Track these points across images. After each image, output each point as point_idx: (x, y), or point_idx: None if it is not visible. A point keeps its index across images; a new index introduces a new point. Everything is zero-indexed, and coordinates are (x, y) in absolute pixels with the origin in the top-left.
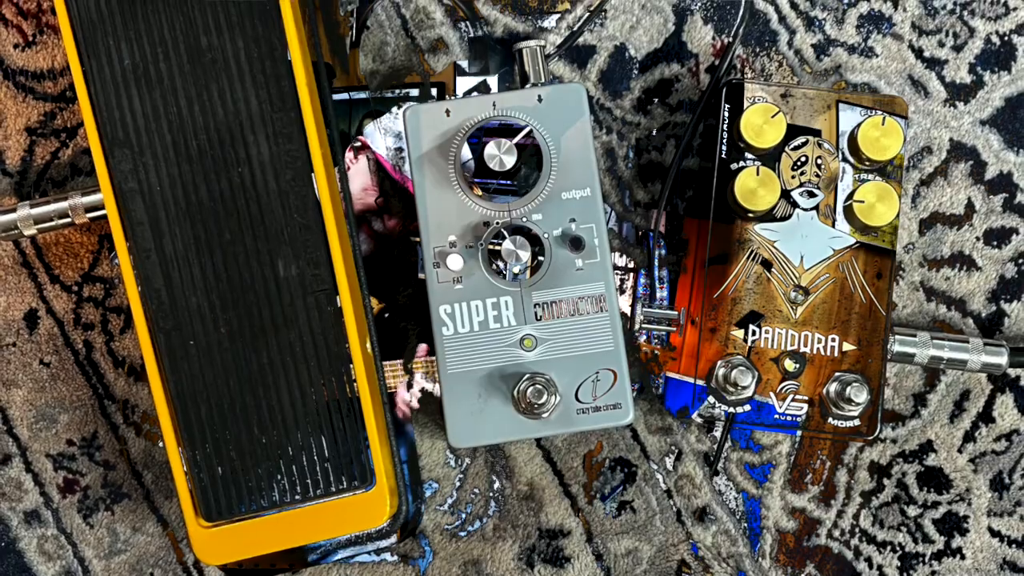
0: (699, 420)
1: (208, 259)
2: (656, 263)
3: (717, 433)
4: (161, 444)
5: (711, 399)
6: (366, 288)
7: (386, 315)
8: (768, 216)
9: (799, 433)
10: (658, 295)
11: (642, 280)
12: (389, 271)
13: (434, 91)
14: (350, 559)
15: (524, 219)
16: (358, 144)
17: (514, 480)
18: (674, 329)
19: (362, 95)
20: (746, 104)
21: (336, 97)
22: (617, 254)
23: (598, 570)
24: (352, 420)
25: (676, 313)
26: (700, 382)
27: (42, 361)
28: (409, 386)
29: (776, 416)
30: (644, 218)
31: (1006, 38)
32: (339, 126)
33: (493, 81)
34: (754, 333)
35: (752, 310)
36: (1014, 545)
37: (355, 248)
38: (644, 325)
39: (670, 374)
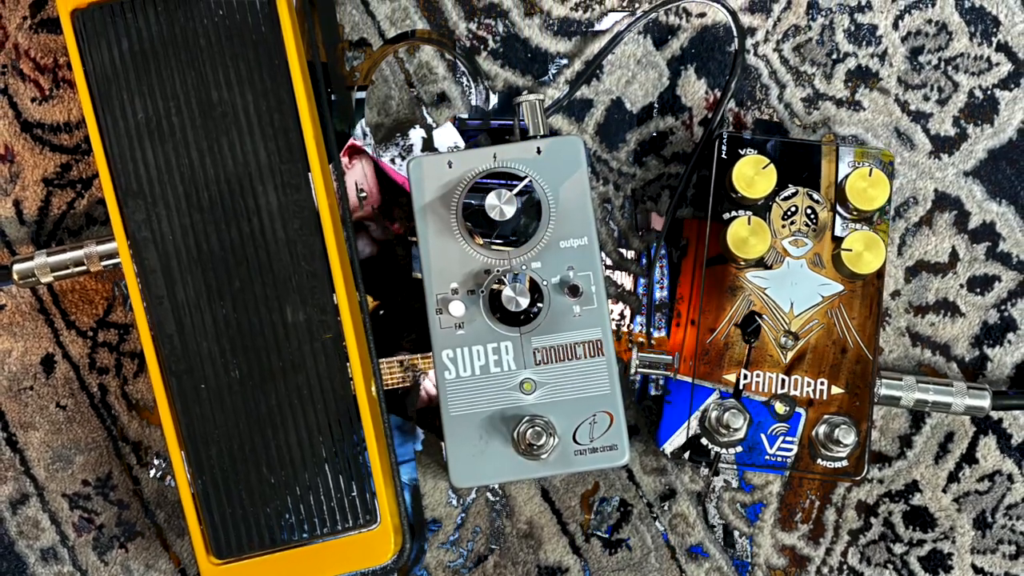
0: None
1: (219, 305)
2: (654, 289)
3: (715, 466)
4: (173, 483)
5: (704, 441)
6: (371, 333)
7: (381, 312)
8: (759, 264)
9: (787, 473)
10: (654, 336)
11: (639, 323)
12: (388, 273)
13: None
14: None
15: (524, 267)
16: (352, 148)
17: (514, 519)
18: (669, 373)
19: (361, 95)
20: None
21: (334, 97)
22: (612, 299)
23: None
24: (357, 460)
25: (670, 358)
26: (699, 382)
27: (58, 404)
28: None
29: (767, 457)
30: (643, 240)
31: (989, 92)
32: (337, 126)
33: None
34: (746, 377)
35: (752, 311)
36: None
37: (354, 267)
38: (640, 369)
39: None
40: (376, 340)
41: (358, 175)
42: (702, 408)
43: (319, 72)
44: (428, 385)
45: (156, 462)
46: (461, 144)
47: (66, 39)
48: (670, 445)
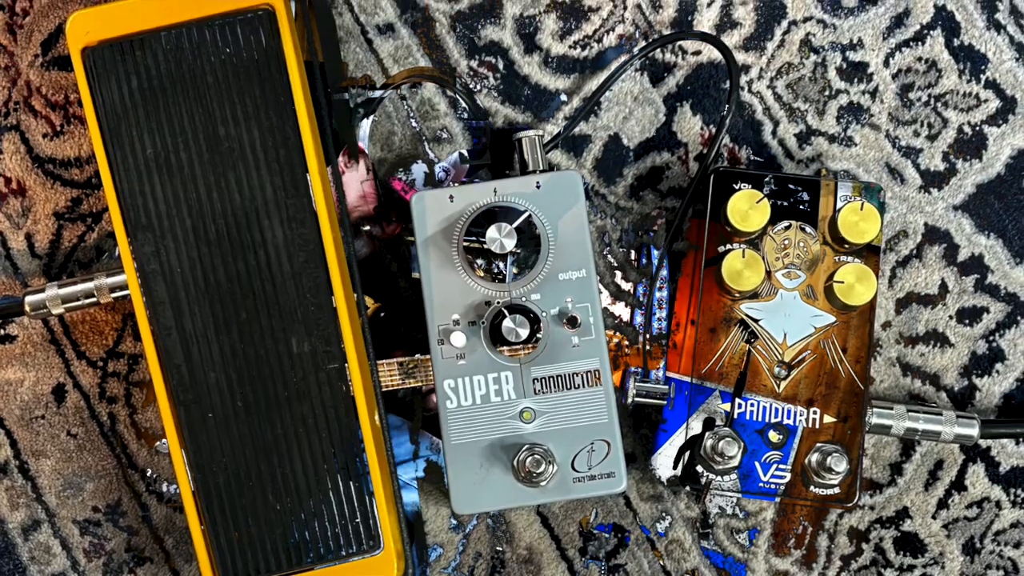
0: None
1: (225, 336)
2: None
3: (710, 499)
4: (177, 503)
5: (702, 469)
6: (375, 365)
7: (381, 314)
8: (753, 296)
9: (777, 500)
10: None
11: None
12: (386, 274)
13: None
14: None
15: (523, 298)
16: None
17: (514, 544)
18: (665, 402)
19: (371, 94)
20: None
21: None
22: (610, 328)
23: None
24: (361, 487)
25: (666, 387)
26: (697, 381)
27: (69, 433)
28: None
29: (761, 484)
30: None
31: (977, 128)
32: (334, 126)
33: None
34: (740, 406)
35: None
36: None
37: (355, 284)
38: (636, 398)
39: (670, 373)
40: (375, 342)
41: (356, 178)
42: (700, 410)
43: (316, 72)
44: None
45: (151, 474)
46: (454, 161)
47: (77, 76)
48: (669, 446)
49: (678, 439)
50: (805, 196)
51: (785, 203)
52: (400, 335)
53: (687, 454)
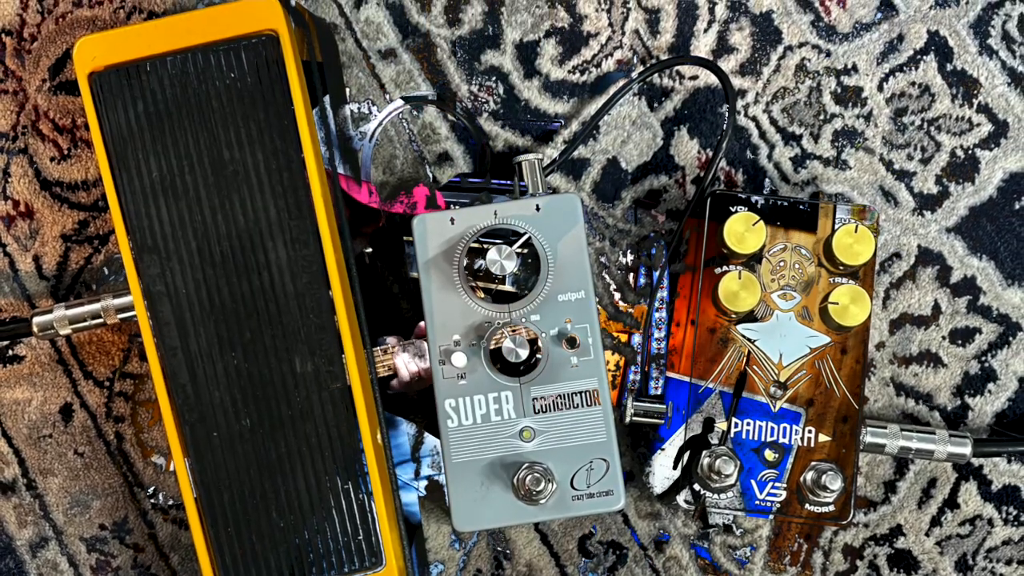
0: (684, 505)
1: (230, 356)
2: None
3: (708, 517)
4: (181, 517)
5: (697, 487)
6: (377, 384)
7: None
8: (750, 317)
9: (771, 517)
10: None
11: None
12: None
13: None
14: None
15: (523, 319)
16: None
17: (514, 561)
18: (662, 422)
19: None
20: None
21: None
22: (608, 346)
23: None
24: (363, 505)
25: (664, 407)
26: (696, 381)
27: (76, 451)
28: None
29: (757, 502)
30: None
31: (970, 152)
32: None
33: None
34: (736, 425)
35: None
36: None
37: (363, 329)
38: (634, 417)
39: (670, 374)
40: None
41: None
42: (698, 410)
43: (315, 73)
44: (401, 365)
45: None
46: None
47: (84, 101)
48: (670, 445)
49: (677, 439)
50: (804, 197)
51: (784, 203)
52: (391, 320)
53: (687, 454)
